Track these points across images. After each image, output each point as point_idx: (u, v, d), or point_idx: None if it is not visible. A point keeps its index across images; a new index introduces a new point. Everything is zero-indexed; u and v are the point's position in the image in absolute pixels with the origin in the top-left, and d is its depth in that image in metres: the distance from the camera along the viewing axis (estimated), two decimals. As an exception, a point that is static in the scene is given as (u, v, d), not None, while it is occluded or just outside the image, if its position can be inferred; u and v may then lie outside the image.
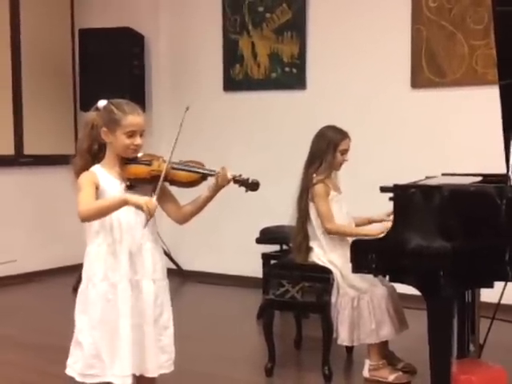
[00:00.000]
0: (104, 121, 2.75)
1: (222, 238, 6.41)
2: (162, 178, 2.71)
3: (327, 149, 3.87)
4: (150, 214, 2.57)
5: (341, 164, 3.95)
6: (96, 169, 2.77)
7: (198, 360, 4.09)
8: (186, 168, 2.79)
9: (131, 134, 2.73)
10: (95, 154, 2.83)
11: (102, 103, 2.82)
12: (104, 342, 2.71)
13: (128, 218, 2.73)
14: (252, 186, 2.78)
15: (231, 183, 2.77)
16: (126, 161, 2.80)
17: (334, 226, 3.81)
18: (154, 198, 2.64)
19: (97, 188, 2.71)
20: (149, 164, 2.79)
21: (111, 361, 2.71)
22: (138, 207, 2.59)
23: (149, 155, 2.85)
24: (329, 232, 3.82)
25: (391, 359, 3.87)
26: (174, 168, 2.78)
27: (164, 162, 2.76)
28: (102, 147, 2.81)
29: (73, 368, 2.77)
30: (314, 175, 3.87)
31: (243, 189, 2.79)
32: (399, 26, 5.55)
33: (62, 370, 2.82)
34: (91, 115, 2.83)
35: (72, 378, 2.78)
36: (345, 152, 3.92)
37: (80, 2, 6.98)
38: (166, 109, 6.67)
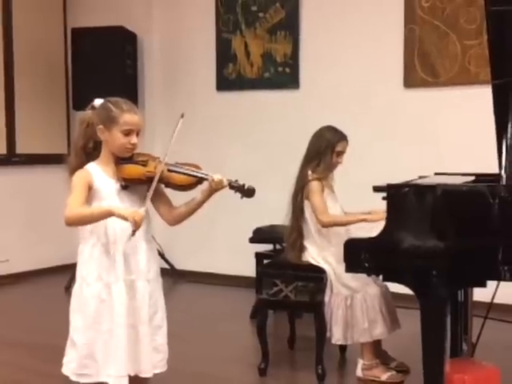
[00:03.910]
0: (101, 118, 2.73)
1: (216, 238, 6.40)
2: (155, 180, 2.70)
3: (325, 150, 3.87)
4: (136, 226, 2.55)
5: (335, 166, 3.95)
6: (91, 167, 2.75)
7: (191, 360, 4.09)
8: (182, 171, 2.77)
9: (128, 133, 2.72)
10: (90, 153, 2.81)
11: (98, 102, 2.80)
12: (98, 343, 2.70)
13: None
14: (247, 192, 2.77)
15: (226, 188, 2.77)
16: (121, 160, 2.77)
17: (328, 217, 3.80)
18: (142, 209, 2.62)
19: (90, 187, 2.70)
20: (144, 165, 2.77)
21: (106, 361, 2.70)
22: (124, 219, 2.56)
23: (144, 155, 2.83)
24: (323, 224, 3.81)
25: (384, 358, 3.88)
26: (170, 170, 2.76)
27: (160, 163, 2.75)
28: (97, 146, 2.80)
29: (68, 367, 2.76)
30: (310, 172, 3.88)
31: (238, 194, 2.79)
32: (392, 25, 5.56)
33: (55, 369, 2.82)
34: (87, 114, 2.81)
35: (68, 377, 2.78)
36: (340, 154, 3.91)
37: (72, 1, 6.97)
38: (158, 108, 6.66)
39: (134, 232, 2.57)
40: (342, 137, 3.91)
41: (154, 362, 2.80)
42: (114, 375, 2.69)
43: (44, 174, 6.49)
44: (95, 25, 6.37)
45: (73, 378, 2.75)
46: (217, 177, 2.74)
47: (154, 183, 2.69)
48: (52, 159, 6.25)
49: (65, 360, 2.78)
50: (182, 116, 2.77)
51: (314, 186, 3.85)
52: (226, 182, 2.75)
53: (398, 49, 5.54)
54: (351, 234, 3.73)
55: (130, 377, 2.75)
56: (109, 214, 2.60)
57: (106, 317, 2.70)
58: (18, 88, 6.49)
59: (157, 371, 2.82)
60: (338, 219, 3.85)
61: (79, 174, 2.72)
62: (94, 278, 2.72)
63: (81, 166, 2.76)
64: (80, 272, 2.77)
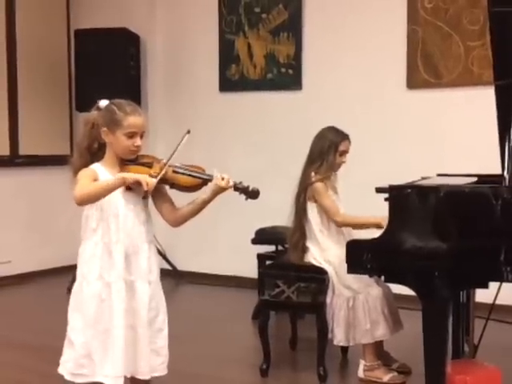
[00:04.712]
0: (105, 120, 2.74)
1: (218, 239, 6.41)
2: (159, 177, 2.70)
3: (328, 149, 3.88)
4: (148, 187, 2.58)
5: (339, 165, 3.95)
6: (96, 167, 2.76)
7: (193, 360, 4.09)
8: (188, 172, 2.78)
9: (131, 135, 2.72)
10: (94, 154, 2.82)
11: (103, 103, 2.80)
12: (96, 342, 2.70)
13: (126, 218, 2.73)
14: (252, 194, 2.78)
15: (231, 190, 2.77)
16: (125, 162, 2.78)
17: (343, 217, 3.82)
18: (155, 179, 2.65)
19: None
20: (150, 166, 2.77)
21: (102, 361, 2.69)
22: (137, 182, 2.59)
23: (148, 157, 2.83)
24: (339, 224, 3.82)
25: (386, 359, 3.88)
26: (175, 172, 2.77)
27: (165, 164, 2.75)
28: (102, 147, 2.80)
29: (64, 366, 2.76)
30: (313, 174, 3.88)
31: (243, 196, 2.79)
32: (395, 26, 5.56)
33: (57, 369, 2.81)
34: (92, 114, 2.81)
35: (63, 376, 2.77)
36: (343, 153, 3.92)
37: (76, 3, 6.98)
38: (161, 109, 6.67)
39: (146, 193, 2.61)
40: (344, 136, 3.92)
41: (154, 365, 2.79)
42: (110, 375, 2.68)
43: (47, 175, 6.49)
44: (98, 26, 6.39)
45: (68, 377, 2.74)
46: (222, 177, 2.75)
47: (159, 177, 2.69)
48: (55, 160, 6.26)
49: (62, 359, 2.77)
50: (188, 132, 2.79)
51: (320, 187, 3.85)
52: (231, 183, 2.75)
53: (401, 50, 5.54)
54: (353, 235, 3.73)
55: (127, 378, 2.75)
56: (122, 181, 2.61)
57: (105, 316, 2.70)
58: (21, 89, 6.50)
59: (156, 374, 2.81)
60: (352, 220, 3.83)
61: (85, 170, 2.72)
62: (95, 276, 2.71)
63: (85, 166, 2.76)
64: (81, 270, 2.76)
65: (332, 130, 3.94)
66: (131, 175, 2.61)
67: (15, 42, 6.46)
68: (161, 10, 6.71)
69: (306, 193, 3.90)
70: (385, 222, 3.54)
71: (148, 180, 2.59)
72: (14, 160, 6.48)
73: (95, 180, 2.69)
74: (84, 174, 2.70)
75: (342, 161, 3.94)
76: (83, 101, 6.07)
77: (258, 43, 6.25)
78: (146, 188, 2.57)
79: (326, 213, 3.84)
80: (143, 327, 2.74)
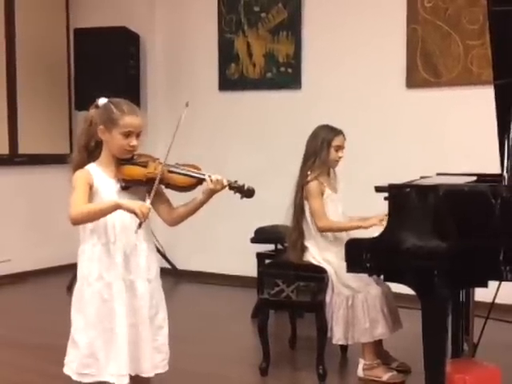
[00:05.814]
0: (102, 119, 2.74)
1: (217, 238, 6.41)
2: (157, 182, 2.70)
3: (321, 146, 3.89)
4: (143, 218, 2.56)
5: (336, 161, 3.95)
6: (91, 167, 2.76)
7: (193, 360, 4.09)
8: (183, 172, 2.78)
9: (127, 135, 2.72)
10: (92, 152, 2.82)
11: (101, 101, 2.80)
12: (100, 342, 2.70)
13: (122, 219, 2.72)
14: (247, 192, 2.77)
15: (226, 189, 2.77)
16: (121, 161, 2.78)
17: (325, 223, 3.82)
18: (148, 202, 2.63)
19: (91, 187, 2.70)
20: (145, 166, 2.77)
21: (107, 360, 2.70)
22: (131, 212, 2.58)
23: (145, 156, 2.83)
24: (321, 229, 3.83)
25: (386, 358, 3.88)
26: (170, 171, 2.76)
27: (160, 164, 2.75)
28: (99, 145, 2.80)
29: (69, 367, 2.76)
30: (309, 172, 3.88)
31: (238, 195, 2.79)
32: (394, 25, 5.56)
33: (57, 369, 2.82)
34: (91, 112, 2.82)
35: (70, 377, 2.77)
36: (339, 148, 3.92)
37: (75, 2, 6.98)
38: (161, 109, 6.66)
39: (140, 224, 2.58)
40: (337, 132, 3.93)
41: (155, 362, 2.80)
42: (115, 374, 2.69)
43: (46, 174, 6.49)
44: (98, 25, 6.38)
45: (74, 377, 2.75)
46: (216, 177, 2.74)
47: (155, 185, 2.69)
48: (54, 159, 6.27)
49: (66, 360, 2.78)
50: (187, 105, 2.78)
51: (312, 187, 3.85)
52: (225, 183, 2.75)
53: (401, 49, 5.54)
54: (352, 234, 3.74)
55: (131, 376, 2.75)
56: (116, 207, 2.61)
57: (107, 316, 2.71)
58: (20, 88, 6.50)
59: (158, 371, 2.82)
60: (334, 225, 3.85)
61: (79, 173, 2.72)
62: (95, 277, 2.72)
63: (83, 163, 2.77)
64: (81, 272, 2.77)
65: (324, 127, 3.95)
66: (126, 204, 2.60)
67: (14, 41, 6.45)
68: (160, 9, 6.71)
69: (302, 192, 3.90)
70: (366, 224, 3.61)
71: (143, 209, 2.56)
72: (14, 159, 6.48)
73: (90, 184, 2.69)
74: (79, 179, 2.69)
75: (339, 156, 3.94)
76: (83, 100, 6.06)
77: (258, 42, 6.25)
78: (141, 219, 2.56)
79: (311, 214, 3.85)
80: (145, 325, 2.75)
